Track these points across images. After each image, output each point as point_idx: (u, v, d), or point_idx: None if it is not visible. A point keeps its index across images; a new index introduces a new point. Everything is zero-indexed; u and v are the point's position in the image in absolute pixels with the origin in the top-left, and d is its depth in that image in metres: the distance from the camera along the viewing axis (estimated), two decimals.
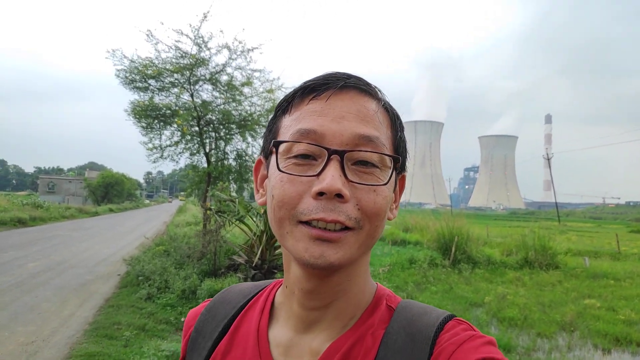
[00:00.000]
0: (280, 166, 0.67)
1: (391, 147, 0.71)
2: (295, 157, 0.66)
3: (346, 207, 0.63)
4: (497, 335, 6.73)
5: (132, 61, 10.22)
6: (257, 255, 8.18)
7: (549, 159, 61.44)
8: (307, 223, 0.63)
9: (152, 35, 9.99)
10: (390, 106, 0.74)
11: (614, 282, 11.38)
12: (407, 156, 0.78)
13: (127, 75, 10.38)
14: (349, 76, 0.70)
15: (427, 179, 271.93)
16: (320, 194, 0.63)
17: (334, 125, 0.66)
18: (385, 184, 0.67)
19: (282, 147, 0.68)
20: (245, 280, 8.20)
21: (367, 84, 0.72)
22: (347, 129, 0.66)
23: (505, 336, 6.66)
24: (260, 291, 0.84)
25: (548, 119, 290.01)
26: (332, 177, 0.62)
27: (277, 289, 0.82)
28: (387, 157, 0.68)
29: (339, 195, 0.62)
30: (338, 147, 0.65)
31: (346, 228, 0.63)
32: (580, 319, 7.79)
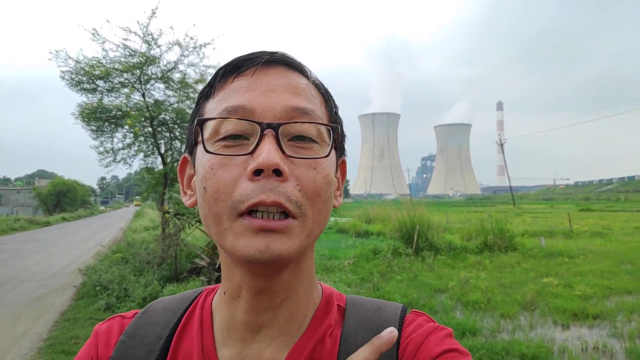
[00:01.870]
0: (208, 148, 0.60)
1: (328, 122, 0.66)
2: (224, 138, 0.60)
3: (286, 187, 0.57)
4: (462, 319, 6.85)
5: (77, 62, 9.75)
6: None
7: (502, 145, 63.50)
8: (248, 214, 0.56)
9: (97, 34, 9.57)
10: (322, 83, 0.70)
11: (568, 259, 11.84)
12: (346, 139, 0.73)
13: (73, 76, 9.90)
14: (274, 52, 0.66)
15: (386, 170, 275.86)
16: (257, 172, 0.56)
17: (263, 99, 0.61)
18: (326, 156, 0.62)
19: (207, 130, 0.61)
20: (209, 283, 8.02)
21: (296, 60, 0.67)
22: (279, 101, 0.61)
23: (470, 319, 6.79)
24: (190, 304, 0.74)
25: (500, 106, 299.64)
26: (268, 151, 0.56)
27: (212, 297, 0.73)
28: (325, 132, 0.63)
29: (277, 173, 0.56)
30: (271, 121, 0.59)
31: (288, 216, 0.57)
32: (540, 298, 8.04)
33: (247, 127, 0.59)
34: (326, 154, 0.62)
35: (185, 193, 0.70)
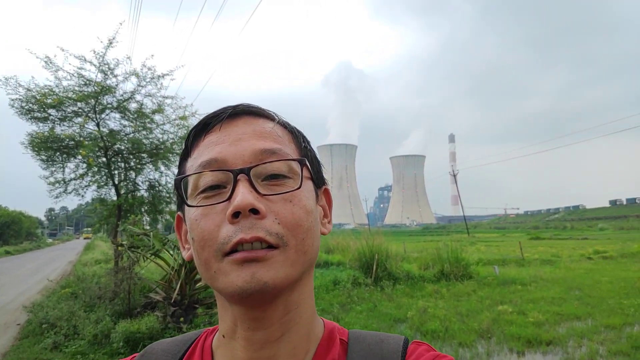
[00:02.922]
0: (190, 203, 0.64)
1: (300, 155, 0.70)
2: (203, 191, 0.64)
3: (264, 223, 0.60)
4: None
5: (28, 90, 9.45)
6: (176, 290, 7.74)
7: (454, 175, 65.43)
8: (231, 253, 0.59)
9: (51, 62, 9.35)
10: (288, 123, 0.74)
11: (521, 287, 12.17)
12: (322, 168, 0.77)
13: (24, 104, 9.57)
14: (236, 105, 0.71)
15: (344, 200, 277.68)
16: (235, 215, 0.59)
17: (232, 148, 0.65)
18: (299, 187, 0.64)
19: (189, 186, 0.66)
20: (164, 318, 7.74)
21: (259, 108, 0.72)
22: (247, 147, 0.65)
23: None
24: (190, 346, 0.75)
25: (452, 138, 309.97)
26: (242, 194, 0.59)
27: (212, 338, 0.74)
28: (296, 167, 0.66)
29: (254, 212, 0.59)
30: (242, 166, 0.63)
31: (271, 247, 0.60)
32: (496, 325, 8.20)
33: (222, 177, 0.63)
34: (298, 185, 0.65)
35: (183, 248, 0.73)
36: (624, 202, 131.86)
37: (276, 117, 0.72)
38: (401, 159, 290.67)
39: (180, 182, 0.66)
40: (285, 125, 0.72)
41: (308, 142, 0.75)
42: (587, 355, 6.56)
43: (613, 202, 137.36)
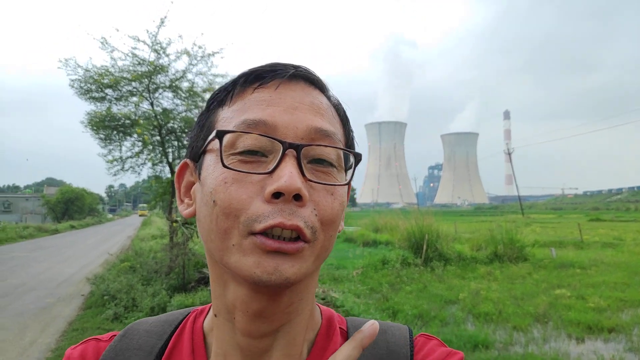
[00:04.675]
0: (225, 162, 0.55)
1: (345, 146, 0.64)
2: (241, 153, 0.56)
3: (304, 212, 0.54)
4: (474, 331, 6.73)
5: (86, 70, 9.78)
6: None
7: (509, 154, 63.18)
8: (261, 234, 0.53)
9: (107, 43, 9.60)
10: (341, 104, 0.67)
11: (580, 270, 11.67)
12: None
13: (82, 85, 9.92)
14: (297, 66, 0.62)
15: (393, 179, 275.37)
16: (276, 195, 0.53)
17: (286, 117, 0.58)
18: (346, 183, 0.61)
19: (224, 141, 0.57)
20: None
21: (318, 77, 0.64)
22: (302, 120, 0.58)
23: (482, 332, 6.67)
24: (177, 327, 0.68)
25: (507, 115, 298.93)
26: (290, 175, 0.53)
27: (202, 320, 0.68)
28: (342, 157, 0.61)
29: (297, 198, 0.53)
30: (293, 140, 0.56)
31: (298, 239, 0.54)
32: (553, 310, 7.91)
33: (266, 144, 0.56)
34: (345, 180, 0.61)
35: (182, 201, 0.66)
36: None
37: (331, 95, 0.66)
38: (453, 137, 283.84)
39: (223, 135, 0.57)
40: (337, 108, 0.66)
41: (353, 133, 0.68)
42: None
43: None
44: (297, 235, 0.54)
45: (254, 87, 0.60)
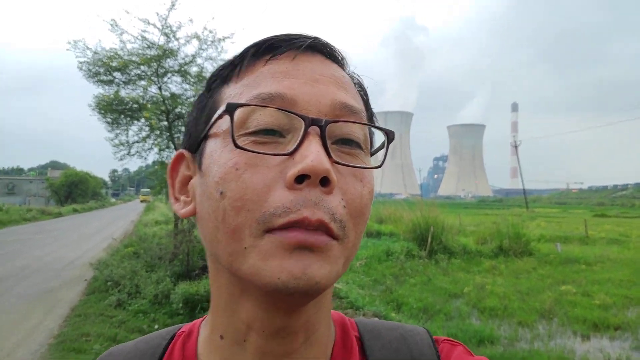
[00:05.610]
0: (238, 142, 0.46)
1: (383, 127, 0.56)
2: (254, 133, 0.47)
3: (331, 202, 0.45)
4: (480, 326, 6.68)
5: (95, 53, 9.70)
6: None
7: (516, 147, 62.81)
8: (279, 229, 0.44)
9: (116, 25, 9.50)
10: (361, 80, 0.59)
11: (585, 267, 11.58)
12: None
13: (91, 67, 9.86)
14: (314, 36, 0.54)
15: (397, 170, 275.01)
16: (300, 179, 0.44)
17: (307, 88, 0.49)
18: (378, 166, 0.53)
19: (235, 117, 0.47)
20: None
21: (338, 50, 0.56)
22: (325, 94, 0.50)
23: (487, 327, 6.63)
24: (162, 356, 0.57)
25: (514, 107, 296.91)
26: (317, 153, 0.44)
27: (193, 344, 0.57)
28: (369, 139, 0.54)
29: (324, 182, 0.44)
30: (316, 116, 0.47)
31: (326, 234, 0.45)
32: (558, 306, 7.84)
33: (284, 121, 0.47)
34: (377, 163, 0.53)
35: (177, 199, 0.55)
36: None
37: (352, 72, 0.57)
38: (459, 128, 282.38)
39: (235, 109, 0.47)
40: (359, 85, 0.58)
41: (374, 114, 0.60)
42: None
43: None
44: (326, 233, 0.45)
45: (266, 59, 0.51)
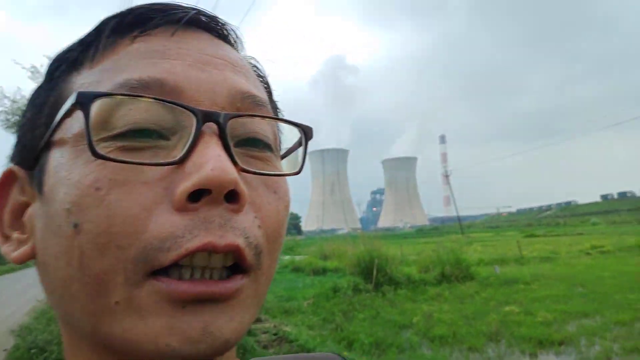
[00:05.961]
0: (97, 150, 0.32)
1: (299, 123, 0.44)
2: (122, 136, 0.33)
3: (242, 221, 0.33)
4: (432, 355, 6.63)
5: (14, 101, 9.20)
6: None
7: (447, 176, 65.63)
8: (165, 273, 0.31)
9: (37, 72, 9.07)
10: (259, 65, 0.46)
11: (524, 286, 11.99)
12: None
13: (9, 117, 9.31)
14: (199, 9, 0.40)
15: (337, 205, 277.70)
16: (195, 196, 0.31)
17: (195, 73, 0.36)
18: (298, 172, 0.41)
19: (90, 121, 0.32)
20: None
21: (229, 25, 0.43)
22: (220, 80, 0.37)
23: (439, 355, 6.59)
24: None
25: (442, 139, 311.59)
26: (219, 159, 0.32)
27: None
28: (278, 138, 0.42)
29: (229, 198, 0.32)
30: (211, 110, 0.35)
31: (233, 267, 0.33)
32: (504, 327, 7.98)
33: (166, 118, 0.34)
34: (293, 168, 0.41)
35: (7, 238, 0.40)
36: (615, 196, 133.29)
37: (247, 55, 0.45)
38: (393, 162, 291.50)
39: (92, 101, 0.32)
40: (257, 69, 0.45)
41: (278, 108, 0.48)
42: (603, 353, 6.35)
43: (604, 197, 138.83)
44: (232, 262, 0.33)
45: (134, 34, 0.37)
